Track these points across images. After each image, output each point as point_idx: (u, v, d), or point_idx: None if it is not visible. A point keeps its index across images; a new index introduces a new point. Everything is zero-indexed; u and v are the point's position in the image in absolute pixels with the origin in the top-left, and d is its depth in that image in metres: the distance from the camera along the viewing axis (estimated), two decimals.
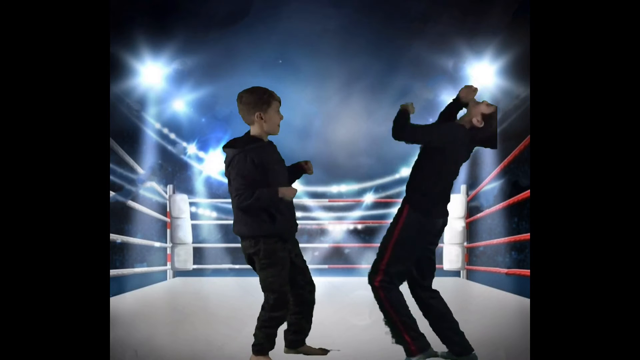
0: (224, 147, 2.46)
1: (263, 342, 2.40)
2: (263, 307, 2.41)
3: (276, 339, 2.46)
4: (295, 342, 2.59)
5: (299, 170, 2.61)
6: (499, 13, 8.95)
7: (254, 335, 2.42)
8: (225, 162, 2.45)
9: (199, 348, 2.77)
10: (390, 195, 11.56)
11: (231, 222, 2.50)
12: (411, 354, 2.32)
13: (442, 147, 2.39)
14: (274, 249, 2.40)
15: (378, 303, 2.40)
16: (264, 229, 2.39)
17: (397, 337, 2.37)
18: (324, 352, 2.58)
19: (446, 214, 2.47)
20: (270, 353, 2.44)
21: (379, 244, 2.44)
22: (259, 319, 2.42)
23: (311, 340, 2.62)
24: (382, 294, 2.36)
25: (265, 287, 2.41)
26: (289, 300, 2.45)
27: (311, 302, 2.58)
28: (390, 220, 2.47)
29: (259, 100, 2.43)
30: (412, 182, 2.44)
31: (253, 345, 2.42)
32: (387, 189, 11.91)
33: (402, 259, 2.37)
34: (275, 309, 2.39)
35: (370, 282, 2.39)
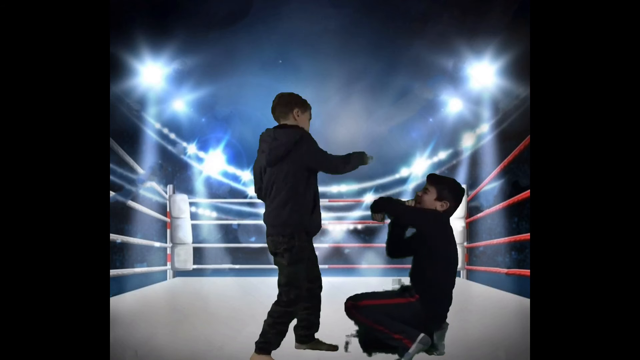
0: (277, 128, 2.52)
1: (271, 338, 2.39)
2: (278, 303, 2.42)
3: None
4: (306, 337, 2.62)
5: None
6: (499, 13, 8.94)
7: (263, 332, 2.41)
8: (275, 137, 2.45)
9: (199, 348, 2.77)
10: (390, 195, 11.57)
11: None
12: (406, 347, 2.29)
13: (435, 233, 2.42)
14: (305, 245, 2.46)
15: (355, 322, 2.42)
16: (308, 222, 2.45)
17: (385, 344, 2.35)
18: (334, 348, 2.60)
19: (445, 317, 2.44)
20: (273, 352, 2.44)
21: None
22: (271, 315, 2.41)
23: None
24: (356, 313, 2.39)
25: (289, 282, 2.42)
26: (304, 296, 2.47)
27: (319, 297, 2.64)
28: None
29: (300, 102, 2.59)
30: (421, 276, 2.42)
31: (258, 343, 2.40)
32: (387, 189, 11.91)
33: (379, 315, 2.37)
34: (292, 304, 2.41)
35: (346, 304, 2.42)
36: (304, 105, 2.59)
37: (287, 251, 2.43)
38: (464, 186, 8.41)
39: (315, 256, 2.64)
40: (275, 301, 2.43)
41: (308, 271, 2.53)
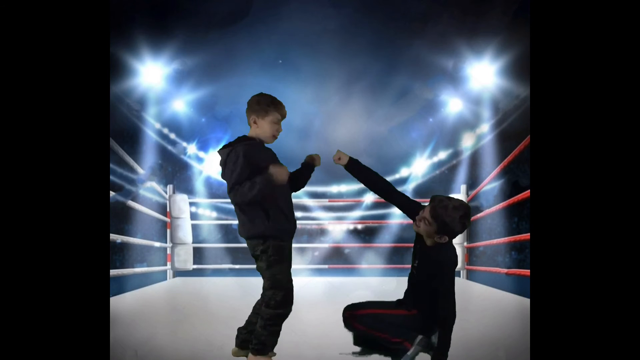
0: (219, 151, 2.48)
1: (266, 340, 2.39)
2: (268, 304, 2.40)
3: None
4: (248, 342, 2.54)
5: (308, 166, 2.59)
6: (499, 13, 8.94)
7: (256, 334, 2.41)
8: (220, 164, 2.47)
9: (199, 348, 2.77)
10: None
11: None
12: (406, 349, 2.30)
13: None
14: (282, 246, 2.43)
15: (354, 332, 2.43)
16: (270, 229, 2.40)
17: (386, 348, 2.36)
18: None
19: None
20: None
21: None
22: (261, 317, 2.41)
23: (312, 340, 2.63)
24: (354, 322, 2.41)
25: (273, 284, 2.40)
26: (293, 297, 2.46)
27: None
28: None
29: (258, 107, 2.47)
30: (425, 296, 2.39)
31: (253, 345, 2.41)
32: None
33: (378, 322, 2.38)
34: (281, 306, 2.39)
35: (344, 314, 2.44)
36: (262, 110, 2.46)
37: (264, 253, 2.41)
38: (463, 186, 8.21)
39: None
40: (265, 303, 2.41)
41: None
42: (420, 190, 11.70)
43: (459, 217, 2.24)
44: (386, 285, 6.02)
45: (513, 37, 8.65)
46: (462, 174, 11.01)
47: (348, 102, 10.87)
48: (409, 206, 2.44)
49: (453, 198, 2.30)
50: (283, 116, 2.51)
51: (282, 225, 2.42)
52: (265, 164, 2.37)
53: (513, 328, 3.28)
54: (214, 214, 11.45)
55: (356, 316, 2.41)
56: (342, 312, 2.45)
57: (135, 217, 10.41)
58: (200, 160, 11.77)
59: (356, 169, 2.49)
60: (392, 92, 10.82)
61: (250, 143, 2.44)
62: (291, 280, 2.43)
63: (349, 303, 2.46)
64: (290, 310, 2.44)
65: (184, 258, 7.52)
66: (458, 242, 7.33)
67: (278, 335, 2.42)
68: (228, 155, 2.41)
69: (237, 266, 8.19)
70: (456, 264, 2.34)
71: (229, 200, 2.59)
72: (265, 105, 2.47)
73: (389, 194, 2.48)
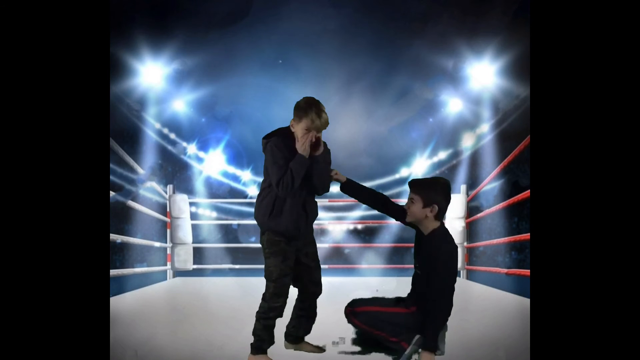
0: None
1: (262, 335, 2.42)
2: (263, 297, 2.45)
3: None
4: (295, 338, 2.65)
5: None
6: (499, 13, 8.95)
7: (253, 330, 2.44)
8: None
9: (199, 348, 2.78)
10: (390, 195, 11.50)
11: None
12: (403, 349, 2.35)
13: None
14: (278, 240, 2.47)
15: (354, 326, 2.49)
16: (267, 223, 2.47)
17: (384, 346, 2.41)
18: (320, 349, 2.62)
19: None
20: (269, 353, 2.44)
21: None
22: (258, 311, 2.45)
23: (312, 340, 2.64)
24: (354, 319, 2.46)
25: (266, 276, 2.47)
26: (287, 292, 2.48)
27: (313, 303, 2.63)
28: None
29: (296, 113, 2.44)
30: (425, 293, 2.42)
31: (252, 344, 2.44)
32: (387, 189, 11.91)
33: (377, 320, 2.43)
34: (274, 299, 2.42)
35: (345, 310, 2.50)
36: (297, 116, 2.42)
37: (262, 245, 2.52)
38: (463, 186, 8.21)
39: (313, 260, 2.59)
40: (262, 296, 2.48)
41: (300, 274, 2.53)
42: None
43: (437, 183, 2.44)
44: (386, 285, 6.02)
45: (513, 37, 8.66)
46: (462, 174, 11.02)
47: (348, 102, 10.87)
48: (405, 214, 2.48)
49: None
50: (317, 128, 2.40)
51: (277, 223, 2.46)
52: (285, 162, 2.38)
53: (513, 328, 3.29)
54: (214, 214, 11.46)
55: (356, 313, 2.45)
56: (343, 308, 2.49)
57: (135, 217, 10.42)
58: (200, 160, 11.78)
59: (352, 188, 2.59)
60: (392, 92, 10.82)
61: (277, 140, 2.43)
62: (285, 275, 2.45)
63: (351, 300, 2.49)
64: (284, 304, 2.45)
65: (184, 258, 7.52)
66: (458, 242, 7.33)
67: (272, 330, 2.45)
68: (265, 147, 2.47)
69: (237, 266, 8.18)
70: (455, 251, 2.38)
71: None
72: (300, 111, 2.42)
73: (385, 206, 2.57)
